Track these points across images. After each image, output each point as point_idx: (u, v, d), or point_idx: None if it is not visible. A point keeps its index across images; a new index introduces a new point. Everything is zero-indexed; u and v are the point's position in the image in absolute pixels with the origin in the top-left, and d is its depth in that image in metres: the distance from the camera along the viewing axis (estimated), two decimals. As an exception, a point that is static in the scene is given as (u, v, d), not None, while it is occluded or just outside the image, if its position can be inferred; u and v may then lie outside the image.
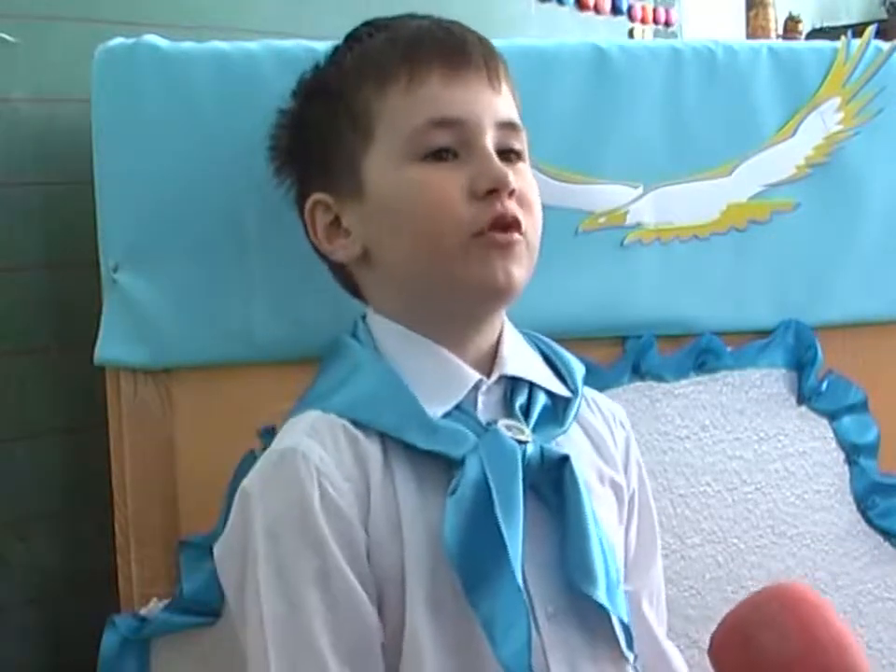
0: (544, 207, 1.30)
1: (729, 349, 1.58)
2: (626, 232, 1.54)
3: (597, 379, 1.43)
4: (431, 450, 1.16)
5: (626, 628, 1.20)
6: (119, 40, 1.41)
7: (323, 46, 1.34)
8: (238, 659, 1.23)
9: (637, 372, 1.53)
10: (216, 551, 1.21)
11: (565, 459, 1.18)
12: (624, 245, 1.54)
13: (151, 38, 1.41)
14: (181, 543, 1.39)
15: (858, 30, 1.66)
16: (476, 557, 1.12)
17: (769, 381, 1.60)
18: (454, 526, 1.12)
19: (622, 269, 1.54)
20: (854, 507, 1.63)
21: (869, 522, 1.63)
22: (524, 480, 1.16)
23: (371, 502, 1.15)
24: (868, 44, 1.63)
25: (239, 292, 1.42)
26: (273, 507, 1.14)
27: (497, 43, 1.29)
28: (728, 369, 1.58)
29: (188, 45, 1.42)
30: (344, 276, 1.30)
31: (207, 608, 1.32)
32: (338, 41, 1.32)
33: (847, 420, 1.63)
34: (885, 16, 4.58)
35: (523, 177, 1.22)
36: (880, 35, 1.66)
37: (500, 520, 1.12)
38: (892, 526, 1.63)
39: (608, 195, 1.53)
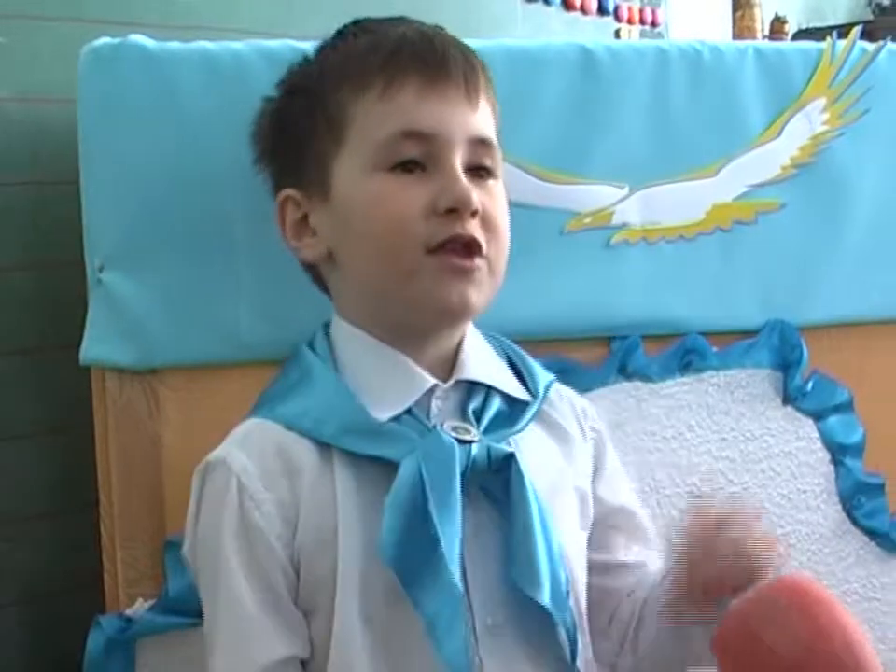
0: (530, 207, 1.30)
1: (715, 349, 1.58)
2: (612, 233, 1.54)
3: (583, 379, 1.44)
4: (372, 455, 1.17)
5: (573, 639, 1.18)
6: (104, 40, 1.40)
7: (310, 46, 1.34)
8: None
9: (624, 373, 1.53)
10: None
11: (511, 456, 1.18)
12: (610, 246, 1.54)
13: (137, 38, 1.40)
14: (167, 543, 1.38)
15: (844, 31, 1.66)
16: (413, 558, 1.12)
17: (755, 381, 1.61)
18: (390, 528, 1.12)
19: (608, 269, 1.54)
20: (840, 507, 1.64)
21: (854, 522, 1.64)
22: (470, 481, 1.16)
23: (300, 512, 1.17)
24: (853, 45, 1.64)
25: (226, 292, 1.42)
26: (202, 519, 1.20)
27: (482, 43, 1.29)
28: (714, 369, 1.59)
29: (174, 45, 1.42)
30: (314, 273, 1.30)
31: (193, 608, 1.31)
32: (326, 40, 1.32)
33: (832, 420, 1.63)
34: (871, 17, 4.59)
35: (491, 196, 1.21)
36: (866, 35, 1.66)
37: (434, 518, 1.12)
38: (878, 526, 1.64)
39: (594, 195, 1.53)
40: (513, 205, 1.28)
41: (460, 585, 1.11)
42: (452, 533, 1.12)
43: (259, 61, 1.40)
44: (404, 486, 1.14)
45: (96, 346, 1.41)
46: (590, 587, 1.28)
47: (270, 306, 1.41)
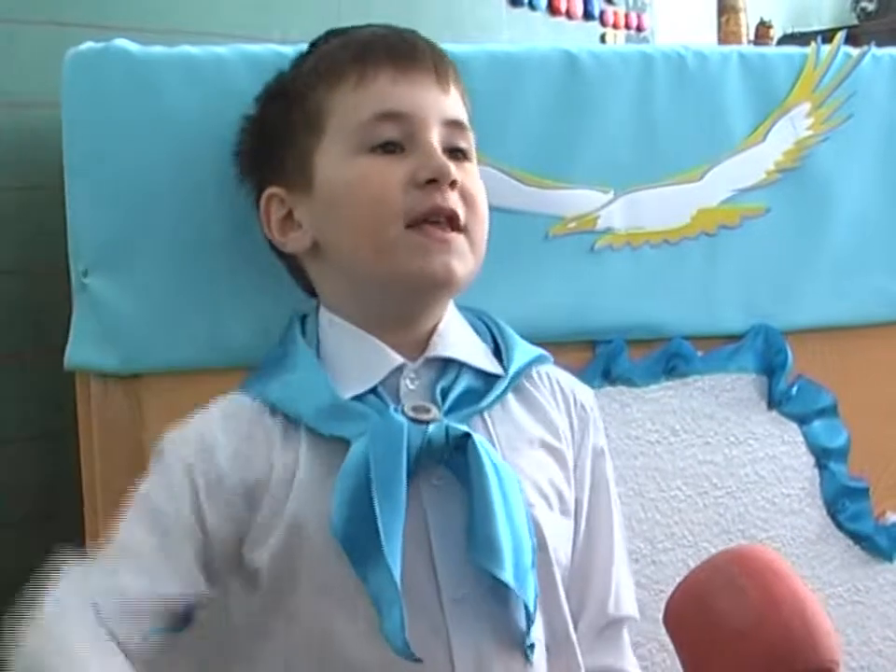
0: (514, 212, 1.30)
1: (699, 354, 1.58)
2: (597, 237, 1.54)
3: (568, 384, 1.43)
4: (331, 434, 1.20)
5: (531, 613, 1.20)
6: (88, 44, 1.40)
7: (292, 50, 1.35)
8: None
9: (608, 377, 1.53)
10: None
11: (467, 436, 1.19)
12: (595, 250, 1.54)
13: (121, 42, 1.40)
14: (151, 549, 1.38)
15: (828, 36, 1.67)
16: (358, 537, 1.14)
17: (739, 385, 1.61)
18: (339, 508, 1.15)
19: (592, 274, 1.54)
20: (824, 510, 1.64)
21: (839, 525, 1.64)
22: (432, 458, 1.19)
23: (272, 479, 1.20)
24: (838, 50, 1.64)
25: (210, 297, 1.41)
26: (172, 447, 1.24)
27: (466, 48, 1.29)
28: (698, 373, 1.59)
29: (157, 49, 1.42)
30: (297, 270, 1.33)
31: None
32: (307, 44, 1.34)
33: (817, 424, 1.64)
34: (855, 22, 4.60)
35: (468, 175, 1.25)
36: (850, 40, 1.67)
37: (375, 499, 1.13)
38: (861, 530, 1.64)
39: (578, 200, 1.53)
40: (498, 210, 1.29)
41: (397, 567, 1.13)
42: (393, 513, 1.14)
43: (242, 64, 1.40)
44: (351, 467, 1.16)
45: (80, 351, 1.41)
46: None
47: (253, 311, 1.41)
